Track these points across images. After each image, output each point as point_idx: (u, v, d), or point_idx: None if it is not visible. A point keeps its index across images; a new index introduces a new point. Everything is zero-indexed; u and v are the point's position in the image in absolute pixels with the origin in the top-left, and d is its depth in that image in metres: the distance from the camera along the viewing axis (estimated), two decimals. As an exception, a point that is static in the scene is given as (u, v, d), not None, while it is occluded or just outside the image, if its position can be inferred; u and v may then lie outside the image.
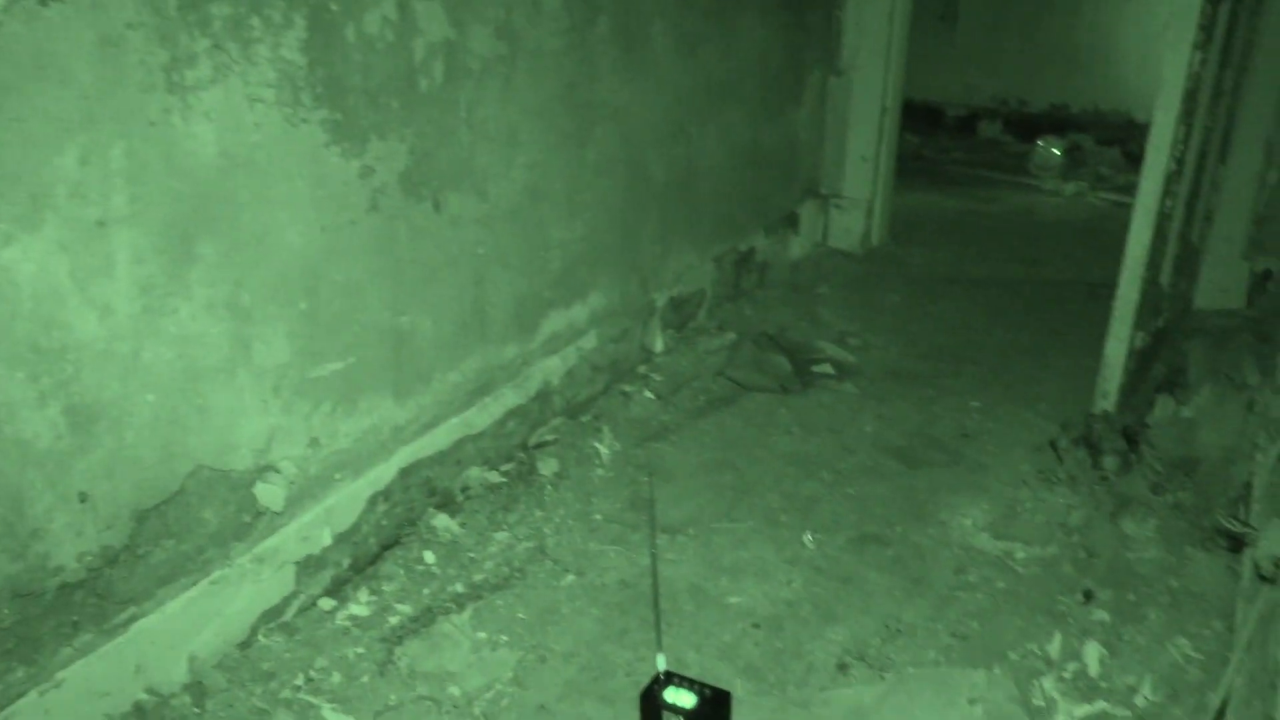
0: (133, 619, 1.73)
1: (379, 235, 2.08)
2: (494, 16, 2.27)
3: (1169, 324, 3.28)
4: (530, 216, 2.53)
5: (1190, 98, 2.61)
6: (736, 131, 3.45)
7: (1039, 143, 5.40)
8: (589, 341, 2.84)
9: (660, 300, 3.17)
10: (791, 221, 3.99)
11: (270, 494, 1.90)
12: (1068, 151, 5.42)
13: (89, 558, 1.63)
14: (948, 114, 5.92)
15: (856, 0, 3.92)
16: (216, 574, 1.85)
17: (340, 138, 1.95)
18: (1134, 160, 5.14)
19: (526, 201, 2.51)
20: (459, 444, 2.40)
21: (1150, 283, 2.80)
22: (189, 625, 1.82)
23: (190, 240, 1.69)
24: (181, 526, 1.78)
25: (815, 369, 3.16)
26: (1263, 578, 1.71)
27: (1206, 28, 2.56)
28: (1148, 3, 5.27)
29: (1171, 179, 2.67)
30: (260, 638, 1.94)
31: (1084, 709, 1.82)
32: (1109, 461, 2.59)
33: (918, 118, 5.88)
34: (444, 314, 2.30)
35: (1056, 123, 5.69)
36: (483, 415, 2.46)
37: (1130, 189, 2.70)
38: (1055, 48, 5.60)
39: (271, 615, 1.98)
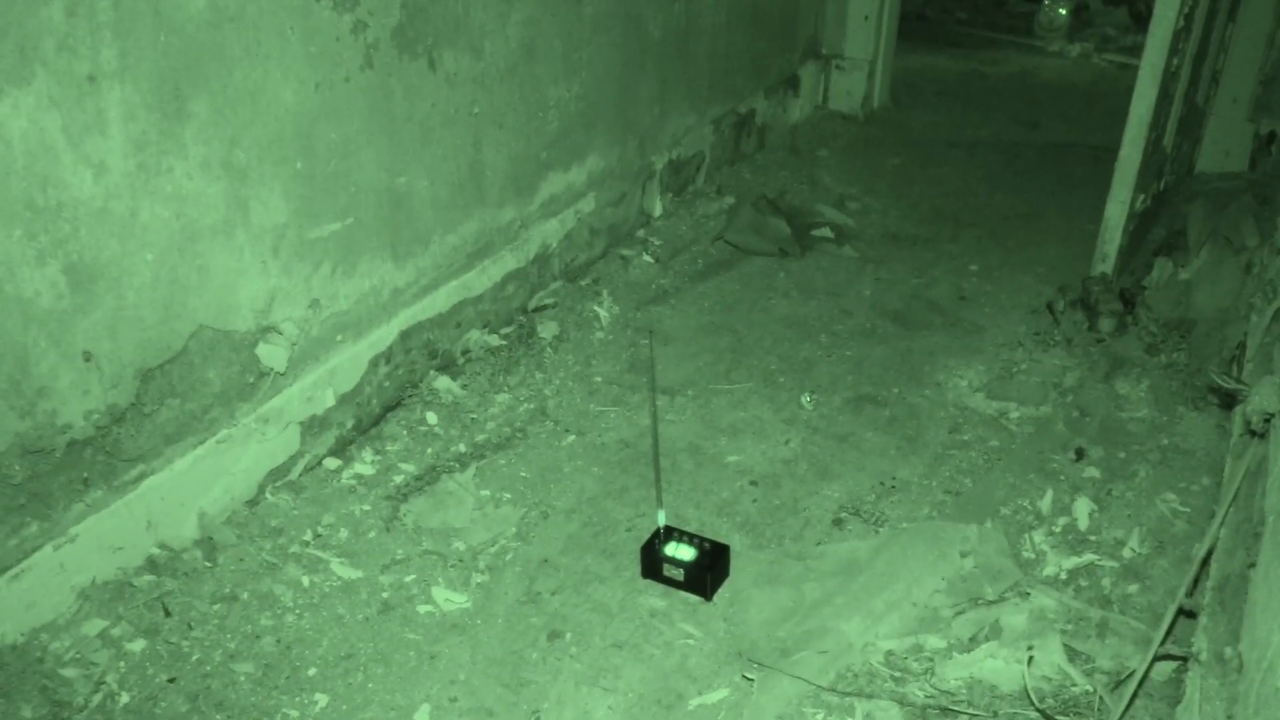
0: (142, 476, 1.76)
1: (374, 93, 2.04)
2: None
3: (1170, 187, 3.25)
4: (526, 75, 2.48)
5: (1205, -51, 2.53)
6: (736, -12, 3.35)
7: (1044, 2, 5.26)
8: (587, 205, 2.82)
9: (659, 163, 3.13)
10: (792, 83, 3.91)
11: (273, 354, 1.91)
12: (1074, 11, 5.28)
13: (96, 416, 1.65)
14: (952, -29, 5.75)
15: None
16: (223, 433, 1.87)
17: (334, -9, 1.90)
18: (1141, 21, 5.01)
19: (523, 59, 2.45)
20: (459, 307, 2.40)
21: (1153, 145, 2.77)
22: (197, 483, 1.85)
23: (183, 97, 1.65)
24: (186, 386, 1.79)
25: (814, 233, 3.14)
26: (1252, 432, 1.74)
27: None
28: None
29: (1179, 37, 2.62)
30: (268, 495, 1.98)
31: (1072, 561, 1.87)
32: (1105, 323, 2.61)
33: (922, -25, 5.72)
34: (441, 176, 2.28)
35: (1064, -18, 5.52)
36: (482, 278, 2.46)
37: (1136, 50, 2.65)
38: (1065, -100, 5.40)
39: (278, 474, 2.01)
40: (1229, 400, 2.24)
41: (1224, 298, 2.58)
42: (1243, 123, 3.49)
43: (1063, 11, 5.22)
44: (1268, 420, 1.63)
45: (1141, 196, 2.85)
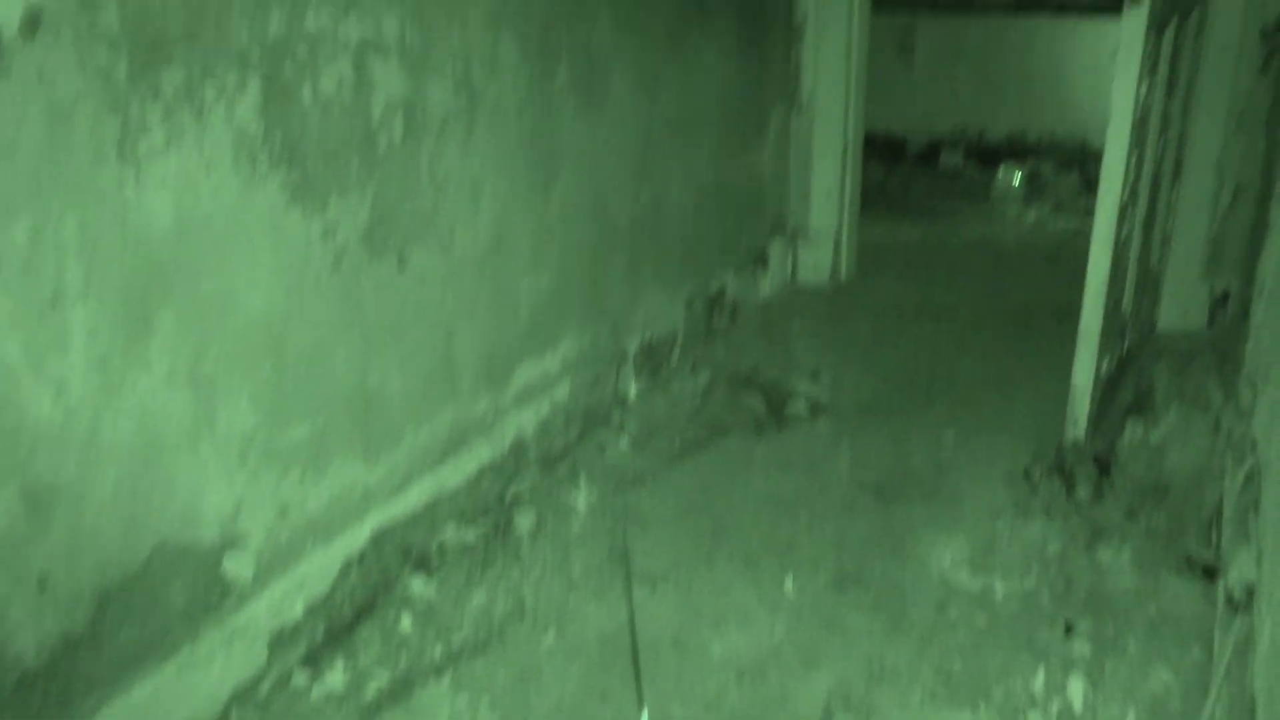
0: (98, 707, 1.68)
1: (343, 294, 2.06)
2: (452, 71, 2.27)
3: (1134, 347, 3.30)
4: (497, 267, 2.52)
5: (1140, 127, 2.64)
6: (701, 171, 3.46)
7: (999, 171, 5.46)
8: (562, 390, 2.82)
9: (632, 345, 3.16)
10: (760, 258, 4.00)
11: (239, 567, 1.87)
12: (1027, 178, 5.48)
13: (49, 645, 1.59)
14: (910, 144, 5.98)
15: (814, 38, 3.96)
16: (185, 653, 1.81)
17: (300, 199, 1.94)
18: (1091, 184, 5.19)
19: (492, 252, 2.50)
20: (433, 503, 2.37)
21: (1112, 310, 2.83)
22: (158, 711, 1.77)
23: (148, 311, 1.66)
24: (147, 606, 1.74)
25: (789, 407, 3.15)
26: (1235, 605, 1.71)
27: (1151, 58, 2.60)
28: (1096, 33, 5.35)
29: (1126, 208, 2.70)
30: (233, 718, 1.89)
31: (1072, 746, 1.80)
32: (1082, 490, 2.60)
33: (881, 149, 5.94)
34: (413, 370, 2.28)
35: (1015, 150, 5.75)
36: (456, 472, 2.44)
37: (1089, 212, 2.73)
38: (1010, 77, 5.68)
39: (244, 694, 1.93)
40: (1210, 571, 2.21)
41: (1196, 458, 2.59)
42: (1197, 282, 3.57)
43: (1017, 178, 5.41)
44: (1250, 592, 1.61)
45: (1106, 360, 2.88)
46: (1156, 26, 2.63)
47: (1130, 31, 2.50)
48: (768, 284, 4.10)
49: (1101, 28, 5.32)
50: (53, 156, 1.49)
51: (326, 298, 2.01)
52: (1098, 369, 2.79)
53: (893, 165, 5.91)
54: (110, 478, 1.64)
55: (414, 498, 2.31)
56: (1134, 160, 2.70)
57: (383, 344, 2.18)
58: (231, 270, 1.81)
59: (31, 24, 1.44)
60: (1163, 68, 2.91)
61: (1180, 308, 3.61)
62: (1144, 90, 2.62)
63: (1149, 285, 3.43)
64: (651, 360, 3.29)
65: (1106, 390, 2.96)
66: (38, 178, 1.47)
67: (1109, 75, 2.59)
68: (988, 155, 5.75)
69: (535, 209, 2.63)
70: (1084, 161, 5.54)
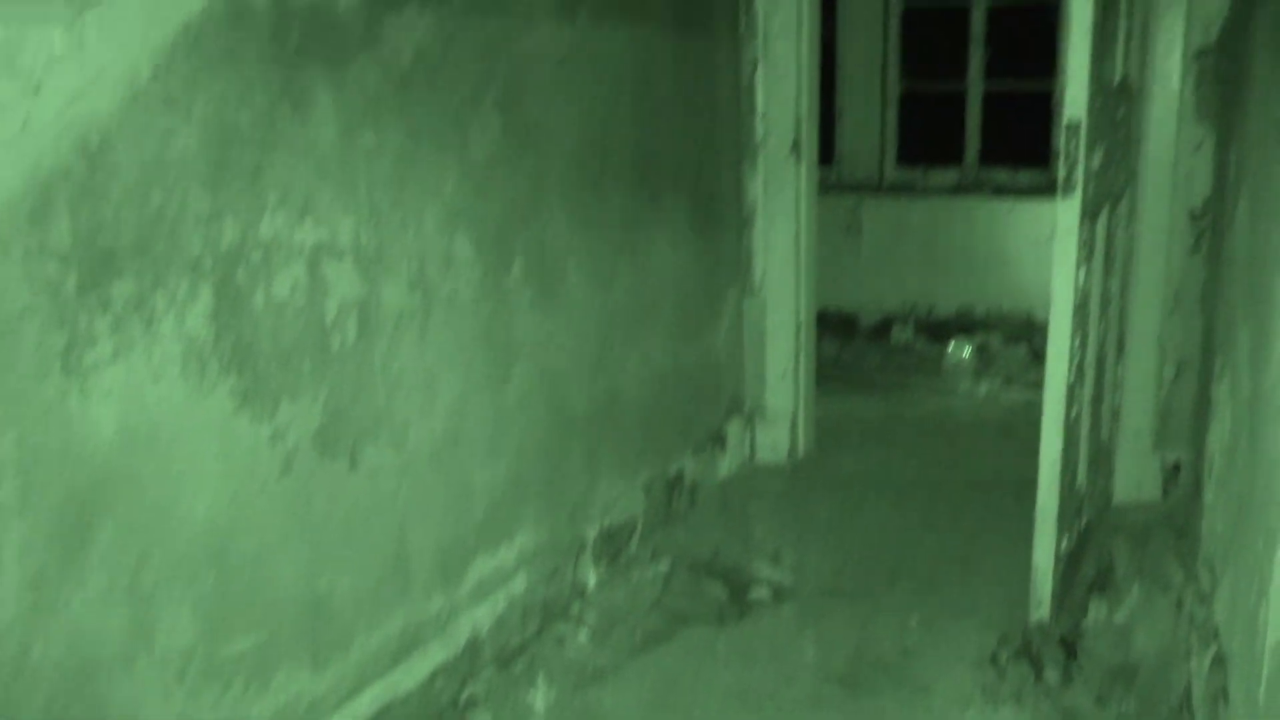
0: None
1: (292, 498, 2.03)
2: (407, 270, 2.30)
3: (1092, 522, 3.31)
4: (452, 461, 2.50)
5: (1081, 310, 2.72)
6: (657, 356, 3.50)
7: (949, 345, 5.57)
8: (518, 584, 2.77)
9: (590, 533, 3.12)
10: (718, 439, 4.01)
11: (174, 790, 1.77)
12: (977, 352, 5.59)
13: None
14: (861, 321, 6.10)
15: (764, 223, 4.08)
16: None
17: (249, 403, 1.93)
18: (1039, 356, 5.29)
19: (447, 446, 2.48)
20: (384, 710, 2.27)
21: (1068, 487, 2.84)
22: None
23: (87, 525, 1.62)
24: (74, 837, 1.63)
25: (751, 593, 3.10)
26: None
27: (1088, 245, 2.70)
28: (1033, 212, 5.57)
29: (1074, 388, 2.75)
30: None
31: None
32: (1050, 674, 2.55)
33: (833, 326, 6.05)
34: (364, 572, 2.23)
35: (964, 324, 5.88)
36: (408, 676, 2.35)
37: (1038, 384, 2.77)
38: (955, 254, 5.85)
39: None
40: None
41: (1162, 640, 2.56)
42: (1148, 454, 3.61)
43: (967, 352, 5.52)
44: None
45: (1066, 538, 2.88)
46: (1090, 214, 2.75)
47: (1065, 221, 2.60)
48: (726, 464, 4.09)
49: (1038, 207, 5.53)
50: (-5, 374, 1.48)
51: (274, 502, 1.98)
52: (1058, 547, 2.79)
53: (845, 341, 6.02)
54: (39, 700, 1.56)
55: (364, 706, 2.22)
56: (1078, 341, 2.76)
57: (333, 546, 2.13)
58: (176, 479, 1.78)
59: (-20, 245, 1.45)
60: (1099, 251, 3.02)
61: (1134, 480, 3.64)
62: (1083, 275, 2.71)
63: (1102, 459, 3.46)
64: (611, 548, 3.24)
65: (1068, 568, 2.95)
66: (-22, 395, 1.46)
67: (1048, 251, 2.68)
68: (938, 330, 5.88)
69: (491, 401, 2.63)
70: (1031, 334, 5.66)
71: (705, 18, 3.60)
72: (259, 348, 1.94)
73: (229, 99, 1.83)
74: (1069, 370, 2.67)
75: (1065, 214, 2.59)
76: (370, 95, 2.13)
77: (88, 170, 1.60)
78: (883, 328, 6.07)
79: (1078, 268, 2.62)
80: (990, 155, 5.94)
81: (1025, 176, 5.86)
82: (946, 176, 5.99)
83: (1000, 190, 5.82)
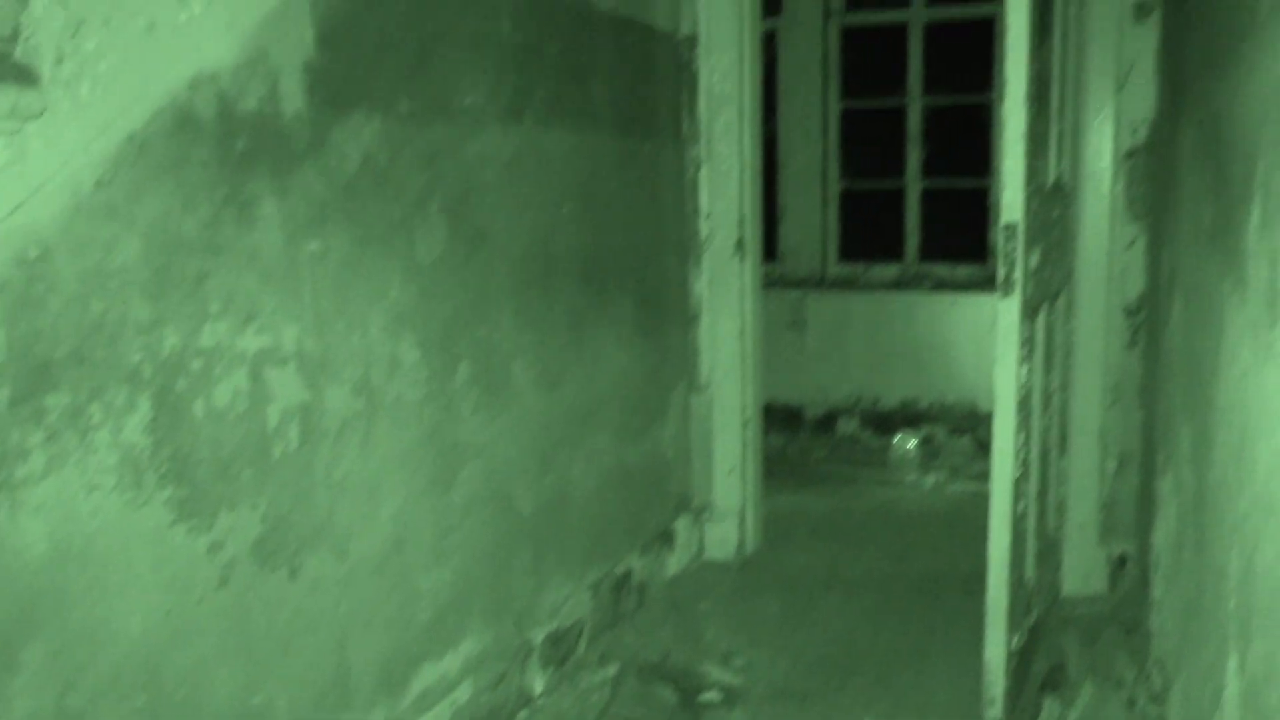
0: None
1: (229, 611, 1.97)
2: (351, 376, 2.28)
3: (1042, 616, 3.31)
4: (396, 568, 2.45)
5: (1024, 406, 2.76)
6: (604, 455, 3.48)
7: (895, 438, 5.61)
8: (463, 693, 2.69)
9: (537, 637, 3.06)
10: (666, 537, 3.98)
11: None
12: (922, 444, 5.64)
13: None
14: (807, 414, 6.15)
15: (710, 319, 4.11)
16: None
17: (187, 515, 1.88)
18: (983, 447, 5.36)
19: (391, 553, 2.43)
20: (321, 832, 2.19)
21: (1017, 583, 2.85)
22: None
23: (13, 647, 1.56)
24: None
25: (702, 697, 3.05)
26: None
27: (1028, 343, 2.75)
28: (974, 305, 5.68)
29: (1019, 483, 2.78)
30: None
31: None
32: (1008, 777, 2.52)
33: (779, 420, 6.08)
34: (303, 686, 2.16)
35: (909, 417, 5.95)
36: (348, 794, 2.27)
37: (984, 476, 2.79)
38: (899, 347, 5.94)
39: None
40: None
41: (1118, 740, 2.55)
42: (1095, 547, 3.64)
43: (912, 445, 5.57)
44: None
45: (1016, 635, 2.87)
46: (1030, 313, 2.80)
47: (1006, 320, 2.65)
48: (675, 562, 4.06)
49: (978, 301, 5.65)
50: (-81, 492, 1.43)
51: (211, 616, 1.92)
52: (1008, 644, 2.78)
53: (792, 435, 6.06)
54: (-46, 839, 1.48)
55: (302, 828, 2.13)
56: (1022, 437, 2.80)
57: (271, 660, 2.06)
58: (109, 595, 1.72)
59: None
60: (1039, 348, 3.07)
61: (1081, 573, 3.66)
62: (1024, 372, 2.75)
63: (1049, 552, 3.48)
64: (558, 652, 3.18)
65: (1020, 664, 2.93)
66: (-99, 514, 1.41)
67: (989, 343, 2.72)
68: (883, 422, 5.93)
69: (437, 505, 2.59)
70: (975, 426, 5.74)
71: (650, 120, 3.67)
72: (198, 457, 1.90)
73: (173, 207, 1.82)
74: (1014, 465, 2.70)
75: (1005, 313, 2.64)
76: (316, 202, 2.13)
77: (25, 281, 1.57)
78: (828, 420, 6.12)
79: (1019, 365, 2.67)
80: (930, 250, 6.09)
81: (964, 271, 6.00)
82: (888, 271, 6.12)
83: (941, 285, 5.94)
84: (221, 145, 1.91)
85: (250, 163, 1.98)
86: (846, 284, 6.10)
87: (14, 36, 1.55)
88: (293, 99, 2.07)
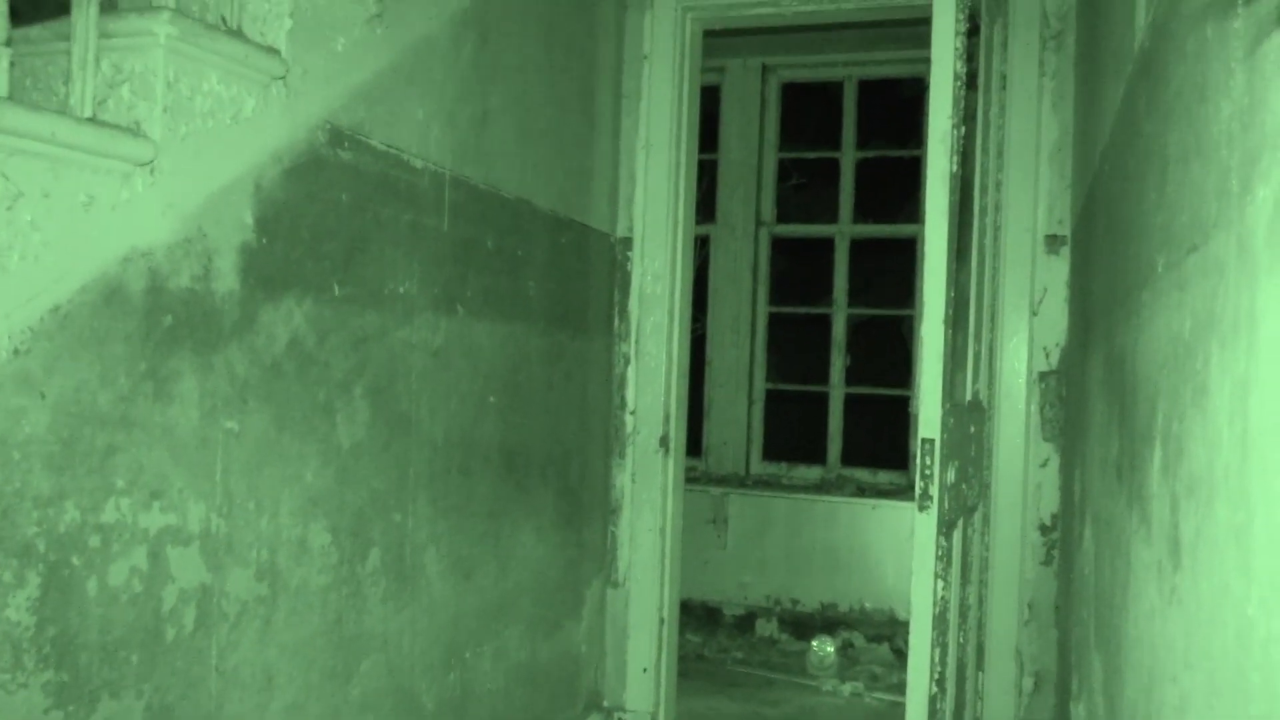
0: None
1: (97, 810, 1.83)
2: (256, 558, 2.21)
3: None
4: (283, 766, 2.31)
5: (940, 620, 2.75)
6: (514, 650, 3.38)
7: (814, 642, 5.54)
8: None
9: (429, 845, 2.88)
10: (573, 739, 3.83)
11: None
12: (840, 649, 5.57)
13: None
14: (725, 613, 6.06)
15: (631, 514, 4.09)
16: None
17: (64, 701, 1.77)
18: (902, 656, 5.31)
19: (280, 750, 2.30)
20: None
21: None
22: None
23: None
24: None
25: None
26: None
27: (945, 556, 2.77)
28: (894, 511, 5.75)
29: (935, 700, 2.75)
30: None
31: None
32: None
33: (697, 617, 6.00)
34: None
35: (828, 621, 5.90)
36: None
37: (902, 687, 2.75)
38: (818, 550, 5.95)
39: None
40: None
41: None
42: (1011, 768, 3.58)
43: (830, 650, 5.50)
44: None
45: None
46: (946, 528, 2.83)
47: (923, 535, 2.68)
48: (583, 766, 3.90)
49: (898, 508, 5.72)
50: None
51: (77, 816, 1.78)
52: None
53: (709, 634, 5.95)
54: None
55: None
56: (939, 654, 2.78)
57: None
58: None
59: None
60: (956, 563, 3.10)
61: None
62: (941, 587, 2.76)
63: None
64: None
65: None
66: None
67: (908, 550, 2.74)
68: (802, 625, 5.87)
69: (333, 699, 2.47)
70: (894, 633, 5.70)
71: (582, 315, 3.74)
72: (84, 639, 1.80)
73: (89, 380, 1.79)
74: (929, 683, 2.67)
75: (922, 528, 2.67)
76: (238, 381, 2.11)
77: (-79, 448, 1.52)
78: (747, 620, 6.04)
79: (935, 580, 2.68)
80: (852, 455, 6.18)
81: (885, 477, 6.09)
82: (810, 473, 6.18)
83: (862, 489, 6.01)
84: (147, 320, 1.90)
85: (175, 339, 1.96)
86: (769, 484, 6.14)
87: (-53, 204, 1.55)
88: (226, 278, 2.08)
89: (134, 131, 1.90)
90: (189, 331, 1.99)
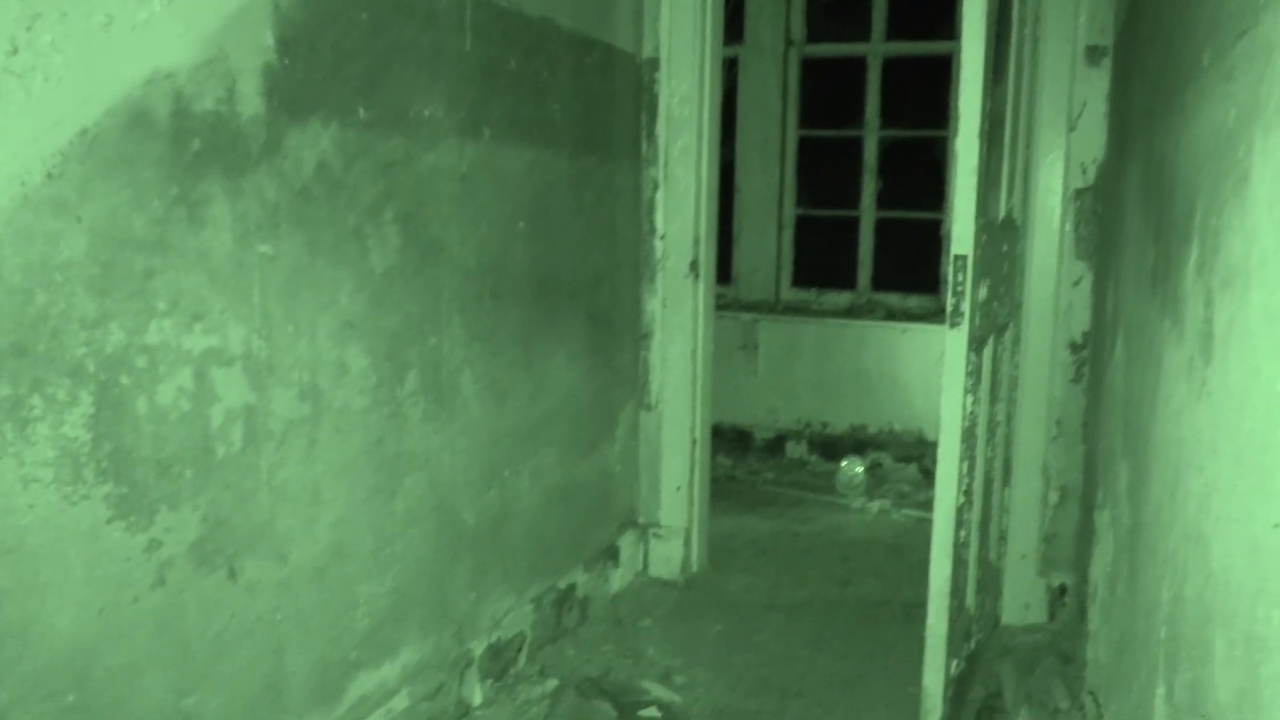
0: None
1: (164, 611, 1.94)
2: (298, 379, 2.26)
3: (980, 644, 3.35)
4: (335, 575, 2.43)
5: (969, 436, 2.80)
6: (550, 469, 3.48)
7: (843, 463, 5.66)
8: (400, 702, 2.67)
9: (477, 649, 3.04)
10: (611, 554, 3.98)
11: None
12: (869, 470, 5.69)
13: None
14: (756, 437, 6.18)
15: (662, 339, 4.13)
16: None
17: (125, 512, 1.85)
18: (929, 475, 5.43)
19: (331, 560, 2.41)
20: (249, 841, 2.16)
21: (956, 611, 2.88)
22: None
23: (-62, 643, 1.53)
24: None
25: (641, 713, 3.04)
26: None
27: (974, 374, 2.79)
28: (923, 336, 5.76)
29: (962, 511, 2.82)
30: None
31: None
32: (940, 802, 2.55)
33: (728, 441, 6.12)
34: (236, 691, 2.13)
35: (857, 442, 6.00)
36: (277, 803, 2.24)
37: (928, 504, 2.83)
38: (848, 375, 6.00)
39: None
40: None
41: (1048, 766, 2.58)
42: (1035, 577, 3.70)
43: (859, 470, 5.62)
44: None
45: (955, 661, 2.91)
46: (977, 345, 2.85)
47: (953, 351, 2.69)
48: (619, 579, 4.06)
49: (928, 331, 5.73)
50: None
51: (144, 616, 1.89)
52: (947, 671, 2.81)
53: (740, 457, 6.09)
54: None
55: (229, 838, 2.10)
56: (966, 467, 2.84)
57: (204, 663, 2.04)
58: (40, 592, 1.69)
59: None
60: (985, 380, 3.12)
61: (1021, 602, 3.71)
62: (970, 403, 2.79)
63: (990, 581, 3.52)
64: (498, 664, 3.16)
65: (957, 691, 2.97)
66: None
67: (937, 374, 2.77)
68: (831, 447, 5.98)
69: (379, 513, 2.58)
70: (922, 454, 5.81)
71: (608, 140, 3.69)
72: (139, 454, 1.87)
73: (123, 204, 1.80)
74: (957, 494, 2.74)
75: (953, 344, 2.68)
76: (268, 205, 2.12)
77: (-34, 270, 1.55)
78: (777, 444, 6.15)
79: (965, 395, 2.71)
80: (882, 280, 6.16)
81: (915, 302, 6.08)
82: (840, 299, 6.18)
83: (892, 314, 6.01)
84: (175, 144, 1.90)
85: (203, 163, 1.96)
86: (799, 310, 6.15)
87: (-33, 23, 1.54)
88: (250, 101, 2.07)
89: (148, -53, 1.85)
90: (217, 155, 1.99)
